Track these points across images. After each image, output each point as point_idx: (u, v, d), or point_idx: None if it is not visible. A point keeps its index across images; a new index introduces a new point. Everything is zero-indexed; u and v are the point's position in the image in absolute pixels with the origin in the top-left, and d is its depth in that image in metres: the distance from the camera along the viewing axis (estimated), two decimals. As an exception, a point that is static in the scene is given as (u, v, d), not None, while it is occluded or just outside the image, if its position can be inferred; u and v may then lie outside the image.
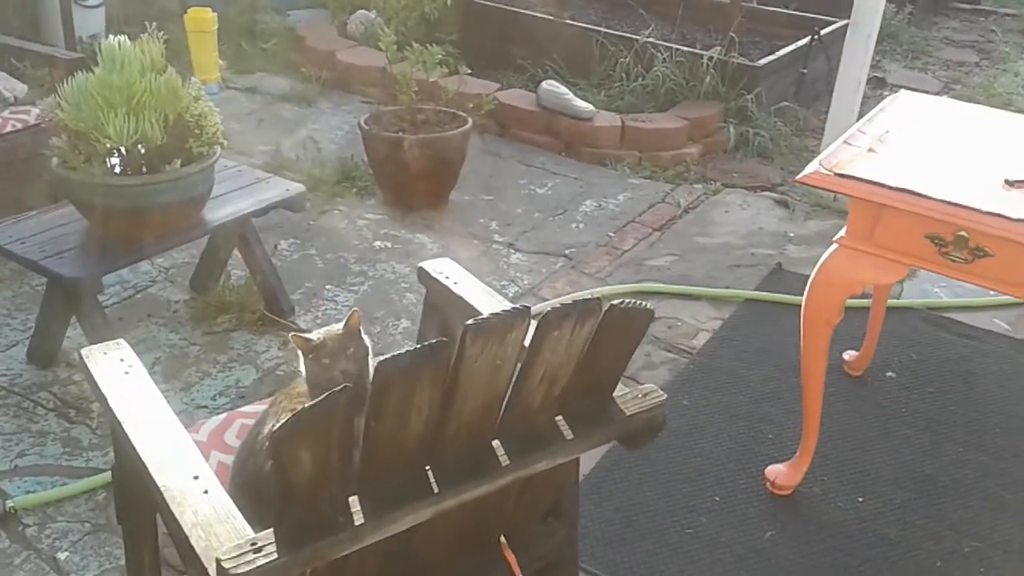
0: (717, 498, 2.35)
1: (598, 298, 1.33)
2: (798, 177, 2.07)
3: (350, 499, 1.25)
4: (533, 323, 1.29)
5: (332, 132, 4.68)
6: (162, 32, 2.59)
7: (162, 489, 1.33)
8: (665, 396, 1.54)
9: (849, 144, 2.12)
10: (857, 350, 2.87)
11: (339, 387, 1.13)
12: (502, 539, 1.67)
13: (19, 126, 3.14)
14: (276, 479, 1.16)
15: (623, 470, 2.42)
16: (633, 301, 1.38)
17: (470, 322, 1.21)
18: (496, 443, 1.40)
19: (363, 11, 5.66)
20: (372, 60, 5.16)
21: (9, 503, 2.24)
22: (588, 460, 2.39)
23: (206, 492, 1.32)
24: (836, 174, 1.95)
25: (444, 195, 3.97)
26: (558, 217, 3.94)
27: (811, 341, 2.16)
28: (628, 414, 1.50)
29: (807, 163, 4.54)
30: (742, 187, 4.33)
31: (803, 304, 2.16)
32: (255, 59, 5.54)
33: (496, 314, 1.23)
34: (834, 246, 2.08)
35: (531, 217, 3.93)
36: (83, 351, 1.66)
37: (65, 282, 2.47)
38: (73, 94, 2.46)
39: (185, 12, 5.00)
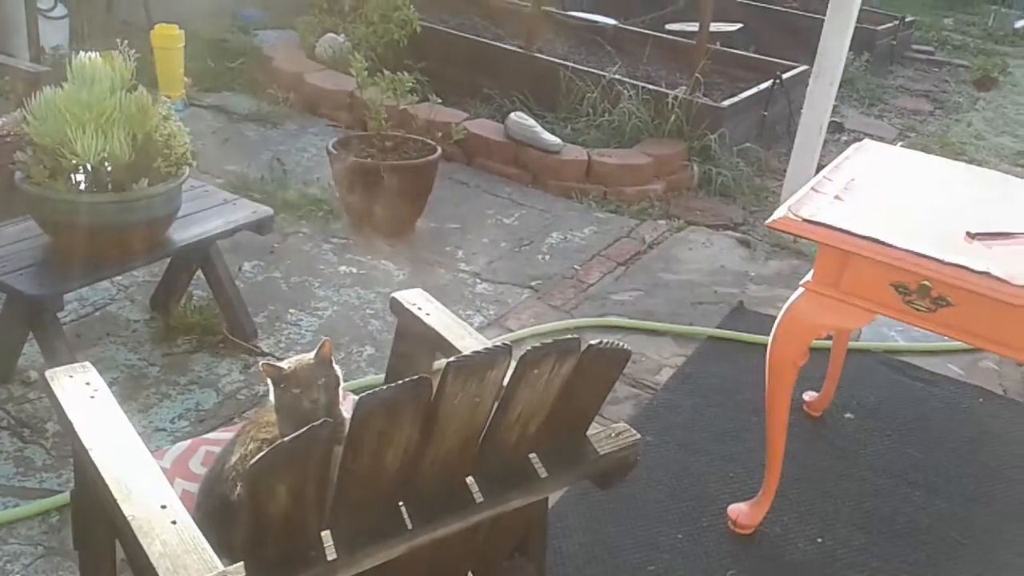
0: (679, 535, 2.36)
1: (577, 337, 1.34)
2: (767, 222, 2.11)
3: (323, 533, 1.24)
4: (513, 361, 1.29)
5: (298, 154, 4.66)
6: (133, 50, 2.56)
7: (128, 519, 1.30)
8: (638, 436, 1.56)
9: (816, 191, 2.17)
10: (817, 391, 2.92)
11: (319, 421, 1.12)
12: (470, 575, 1.66)
13: (-20, 137, 3.07)
14: (249, 511, 1.15)
15: (586, 505, 2.42)
16: (610, 341, 1.40)
17: (453, 359, 1.21)
18: (470, 480, 1.40)
19: (332, 34, 5.66)
20: (340, 84, 5.16)
21: (-43, 525, 2.17)
22: (553, 494, 2.39)
23: (174, 522, 1.30)
24: (805, 220, 1.99)
25: (411, 222, 3.97)
26: (524, 248, 3.96)
27: (776, 382, 2.19)
28: (601, 453, 1.51)
29: (768, 203, 4.64)
30: (705, 225, 4.39)
31: (769, 345, 2.19)
32: (221, 78, 5.51)
33: (479, 352, 1.23)
34: (800, 290, 2.12)
35: (497, 247, 3.94)
36: (47, 373, 1.62)
37: (26, 299, 2.41)
38: (41, 108, 2.42)
39: (152, 28, 4.96)
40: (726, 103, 5.00)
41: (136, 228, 2.53)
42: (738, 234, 4.32)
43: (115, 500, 1.34)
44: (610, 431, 1.54)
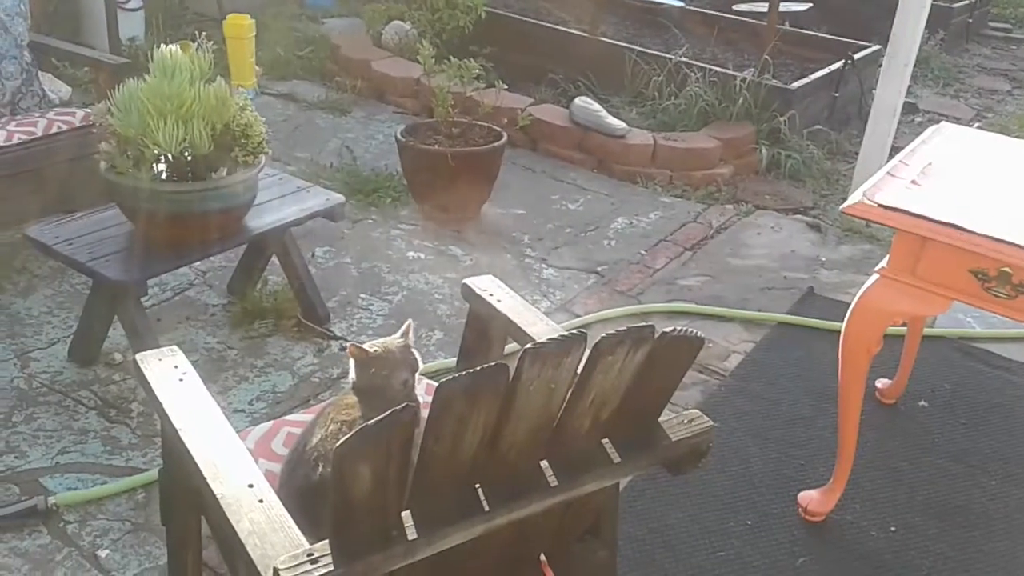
0: (749, 522, 2.36)
1: (651, 325, 1.35)
2: (843, 207, 2.08)
3: (403, 514, 1.28)
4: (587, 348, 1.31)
5: (367, 141, 4.73)
6: (211, 42, 2.63)
7: (218, 497, 1.36)
8: (711, 423, 1.56)
9: (892, 175, 2.13)
10: (891, 378, 2.88)
11: (401, 405, 1.16)
12: (542, 557, 1.69)
13: (64, 127, 3.19)
14: (335, 492, 1.19)
15: (655, 490, 2.43)
16: (684, 329, 1.40)
17: (529, 346, 1.23)
18: (544, 464, 1.42)
19: (398, 22, 5.71)
20: (407, 71, 5.21)
21: (51, 499, 2.28)
22: (623, 479, 2.40)
23: (261, 501, 1.35)
24: (881, 206, 1.97)
25: (477, 208, 4.00)
26: (590, 233, 3.97)
27: (850, 369, 2.17)
28: (674, 439, 1.52)
29: (840, 187, 4.55)
30: (774, 209, 4.34)
31: (843, 332, 2.17)
32: (290, 66, 5.60)
33: (554, 339, 1.25)
34: (875, 276, 2.09)
35: (563, 232, 3.95)
36: (137, 356, 1.69)
37: (111, 285, 2.51)
38: (124, 100, 2.51)
39: (223, 18, 5.07)
40: (795, 85, 4.91)
41: (215, 216, 2.61)
42: (808, 218, 4.26)
43: (204, 479, 1.40)
44: (682, 417, 1.55)
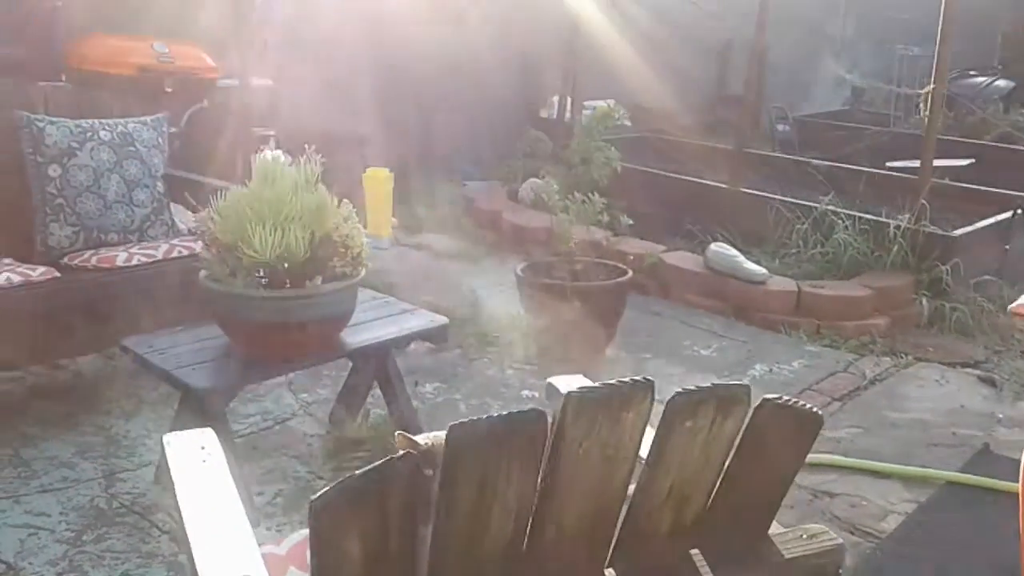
0: None
1: (746, 385, 1.04)
2: (1011, 306, 1.71)
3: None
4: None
5: (493, 287, 4.61)
6: (320, 155, 2.59)
7: (202, 586, 1.11)
8: (839, 541, 1.19)
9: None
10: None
11: (400, 453, 0.89)
12: None
13: (184, 253, 3.22)
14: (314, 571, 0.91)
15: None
16: (794, 399, 1.08)
17: (572, 390, 0.95)
18: (610, 573, 1.10)
19: (535, 179, 5.74)
20: (539, 221, 5.14)
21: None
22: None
23: (250, 595, 1.09)
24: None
25: (600, 349, 3.74)
26: (724, 379, 3.59)
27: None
28: (787, 557, 1.16)
29: (1016, 343, 4.00)
30: (938, 362, 3.85)
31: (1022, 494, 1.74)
32: (427, 221, 5.68)
33: (607, 383, 0.96)
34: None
35: (693, 378, 3.60)
36: (165, 437, 1.50)
37: (193, 392, 2.39)
38: (225, 207, 2.47)
39: (364, 170, 5.22)
40: (958, 232, 4.50)
41: (309, 326, 2.48)
42: (980, 372, 3.74)
43: (194, 562, 1.16)
44: (800, 532, 1.19)
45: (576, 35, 5.97)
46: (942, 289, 4.34)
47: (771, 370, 3.71)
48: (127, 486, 2.72)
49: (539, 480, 0.96)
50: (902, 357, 3.91)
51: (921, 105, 4.88)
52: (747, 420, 1.05)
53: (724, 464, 1.07)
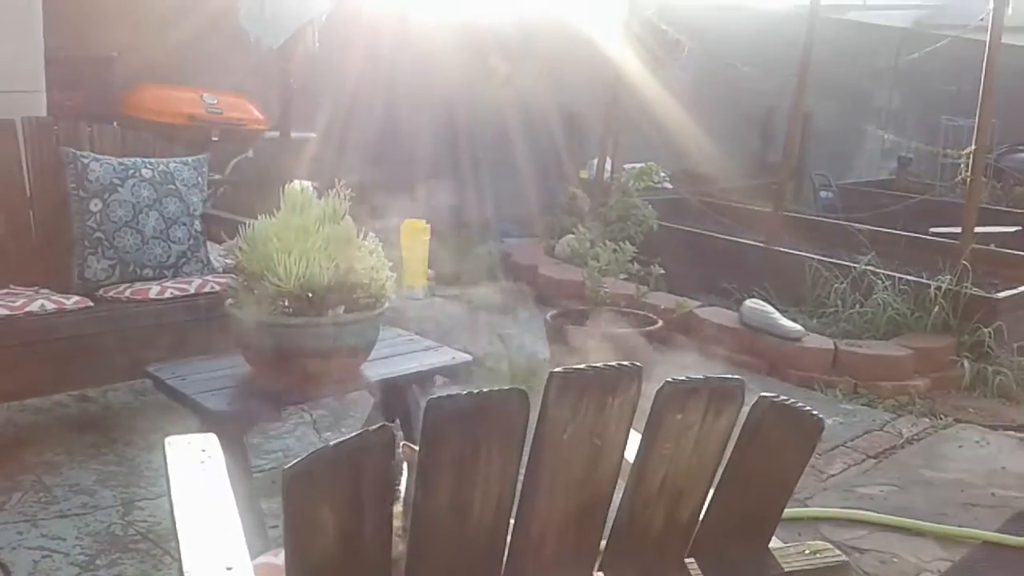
0: None
1: (739, 379, 1.01)
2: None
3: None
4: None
5: (524, 336, 4.59)
6: (349, 189, 2.62)
7: (185, 573, 1.09)
8: (844, 558, 1.14)
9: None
10: None
11: (376, 425, 0.88)
12: None
13: (217, 288, 3.26)
14: (288, 546, 0.89)
15: None
16: (793, 400, 1.05)
17: (556, 369, 0.93)
18: None
19: (571, 235, 5.75)
20: (573, 275, 5.14)
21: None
22: None
23: (231, 583, 1.07)
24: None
25: (628, 400, 3.68)
26: (754, 433, 3.52)
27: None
28: (786, 570, 1.11)
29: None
30: (979, 424, 3.72)
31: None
32: (463, 272, 5.71)
33: (592, 366, 0.94)
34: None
35: (723, 431, 3.53)
36: (167, 439, 1.50)
37: (210, 415, 2.39)
38: (253, 236, 2.50)
39: (402, 222, 5.28)
40: (1002, 295, 4.39)
41: (329, 355, 2.48)
42: (1022, 435, 3.61)
43: (180, 553, 1.14)
44: (803, 547, 1.14)
45: (619, 95, 6.03)
46: (984, 352, 4.22)
47: (804, 426, 3.61)
48: (144, 514, 2.71)
49: (523, 470, 0.94)
50: (941, 418, 3.79)
51: (962, 166, 4.83)
52: (737, 415, 1.01)
53: (719, 465, 1.03)
